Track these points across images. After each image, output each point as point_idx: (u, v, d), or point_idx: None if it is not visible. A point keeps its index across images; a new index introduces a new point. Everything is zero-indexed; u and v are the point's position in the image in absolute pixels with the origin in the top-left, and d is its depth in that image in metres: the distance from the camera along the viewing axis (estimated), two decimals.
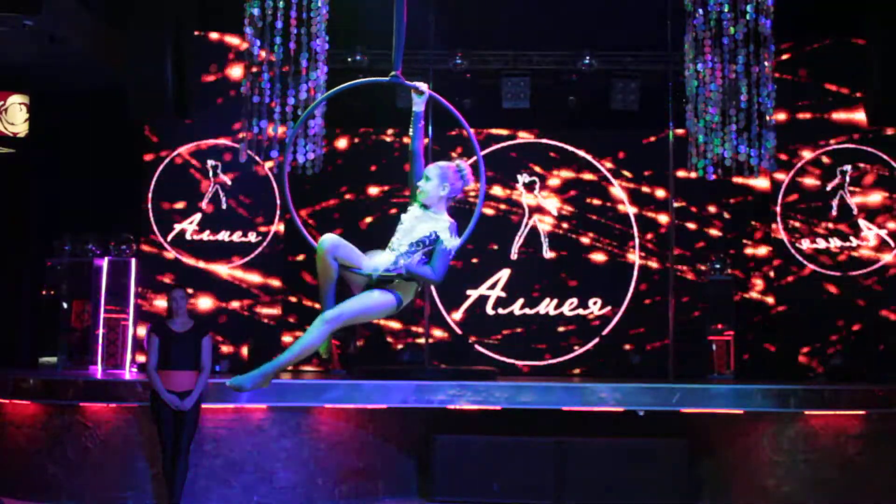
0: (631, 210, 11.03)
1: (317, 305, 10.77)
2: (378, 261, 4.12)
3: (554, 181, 11.12)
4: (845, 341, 9.81)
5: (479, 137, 11.05)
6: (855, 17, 9.59)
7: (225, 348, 9.87)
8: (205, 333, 7.18)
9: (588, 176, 11.13)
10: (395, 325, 10.88)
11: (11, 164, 10.34)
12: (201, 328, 7.24)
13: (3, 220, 10.46)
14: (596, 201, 11.10)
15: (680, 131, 9.44)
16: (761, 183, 10.46)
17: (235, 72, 10.11)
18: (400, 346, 10.81)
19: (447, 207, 4.31)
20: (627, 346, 10.84)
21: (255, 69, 8.62)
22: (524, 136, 11.16)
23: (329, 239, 4.09)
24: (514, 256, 10.97)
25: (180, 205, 10.21)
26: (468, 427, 8.31)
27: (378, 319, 4.16)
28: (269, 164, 10.02)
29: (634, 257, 10.99)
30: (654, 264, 10.92)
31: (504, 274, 10.95)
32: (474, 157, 4.27)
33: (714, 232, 10.97)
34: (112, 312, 9.67)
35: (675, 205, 10.11)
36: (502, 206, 11.08)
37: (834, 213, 10.03)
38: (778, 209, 10.23)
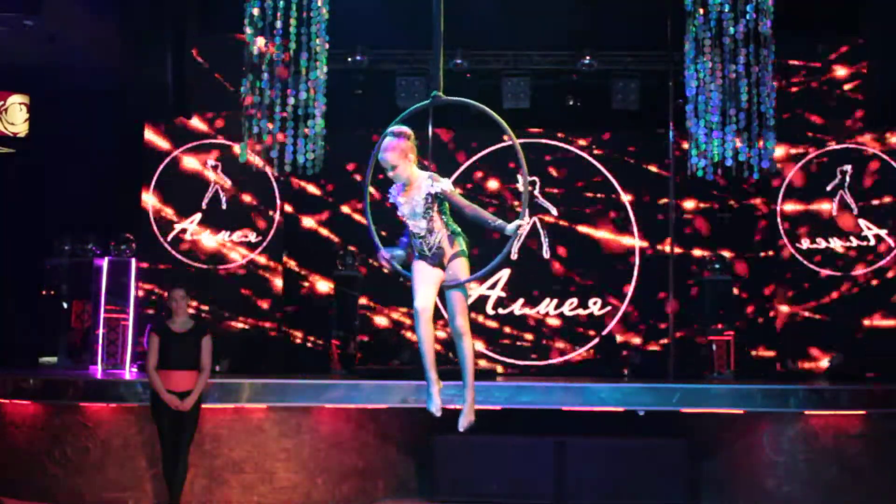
0: (631, 210, 11.03)
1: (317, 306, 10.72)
2: (458, 268, 4.36)
3: (554, 181, 11.12)
4: (845, 341, 9.81)
5: (480, 137, 11.09)
6: (855, 16, 9.60)
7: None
8: (205, 333, 7.18)
9: (588, 175, 11.12)
10: (393, 323, 10.89)
11: (11, 164, 10.35)
12: (201, 328, 7.24)
13: (4, 220, 10.46)
14: (596, 201, 11.10)
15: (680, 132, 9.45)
16: (761, 183, 10.46)
17: (236, 72, 10.09)
18: (395, 337, 10.80)
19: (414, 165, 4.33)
20: (627, 347, 10.84)
21: (254, 69, 8.61)
22: (524, 136, 11.15)
23: (425, 302, 4.28)
24: (514, 256, 10.97)
25: (180, 205, 10.20)
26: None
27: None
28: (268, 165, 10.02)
29: (635, 257, 10.99)
30: (653, 264, 10.91)
31: (504, 274, 10.95)
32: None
33: (714, 232, 10.96)
34: (112, 312, 9.67)
35: (676, 204, 10.11)
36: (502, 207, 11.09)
37: (834, 212, 10.03)
38: (778, 209, 10.23)
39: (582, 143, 11.15)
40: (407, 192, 4.31)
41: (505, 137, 4.31)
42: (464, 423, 4.52)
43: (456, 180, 11.05)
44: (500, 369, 10.70)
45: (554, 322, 10.94)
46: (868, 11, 9.34)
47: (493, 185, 11.14)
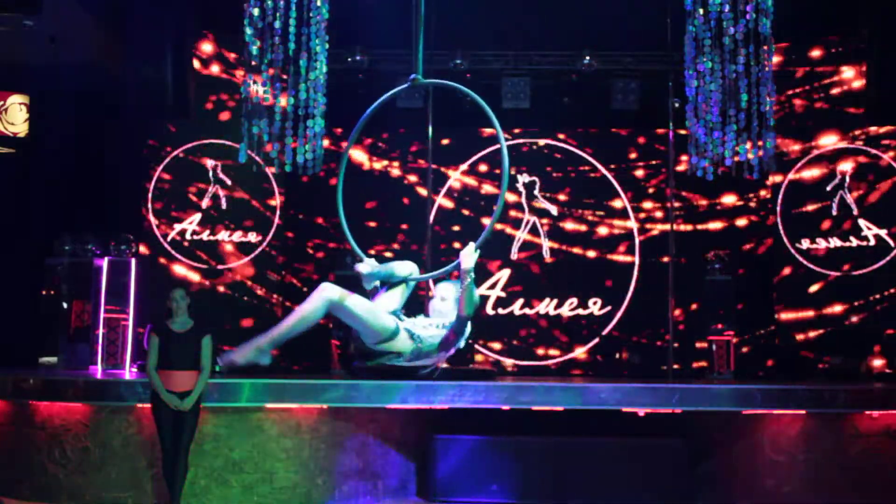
0: (631, 210, 11.03)
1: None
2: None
3: (554, 181, 11.12)
4: (845, 341, 9.81)
5: (479, 138, 11.09)
6: (855, 16, 9.59)
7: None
8: (205, 333, 7.17)
9: (588, 176, 11.12)
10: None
11: (11, 164, 10.34)
12: (201, 328, 7.23)
13: (3, 220, 10.46)
14: (596, 201, 11.10)
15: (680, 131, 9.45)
16: (761, 182, 10.46)
17: (235, 72, 10.10)
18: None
19: None
20: (627, 346, 10.85)
21: (254, 68, 8.61)
22: (524, 137, 11.15)
23: (337, 294, 3.93)
24: (514, 256, 10.97)
25: (180, 205, 10.20)
26: (468, 427, 8.30)
27: (373, 334, 4.05)
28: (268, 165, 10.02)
29: (634, 257, 10.99)
30: (654, 264, 10.91)
31: (504, 274, 10.95)
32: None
33: (714, 231, 10.96)
34: (112, 312, 9.67)
35: (676, 203, 10.11)
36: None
37: (834, 212, 10.03)
38: (778, 208, 10.23)
39: (581, 142, 11.14)
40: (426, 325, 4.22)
41: (491, 134, 4.28)
42: (227, 357, 3.93)
43: (455, 181, 11.06)
44: (510, 364, 10.72)
45: (554, 322, 10.93)
46: (868, 11, 9.33)
47: (487, 188, 11.14)
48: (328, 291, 3.94)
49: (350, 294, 3.97)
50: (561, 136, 11.18)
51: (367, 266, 4.27)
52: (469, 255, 3.97)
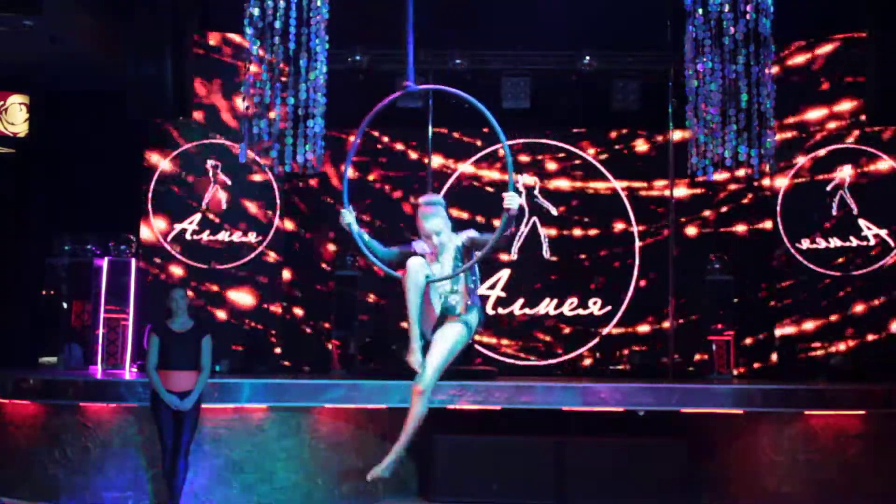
0: (631, 209, 11.03)
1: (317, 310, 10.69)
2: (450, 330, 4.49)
3: (554, 181, 11.12)
4: (845, 341, 9.82)
5: (481, 137, 11.09)
6: (855, 16, 9.60)
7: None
8: (205, 333, 7.18)
9: (588, 175, 11.12)
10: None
11: (11, 164, 10.35)
12: (201, 328, 7.24)
13: (3, 220, 10.46)
14: (596, 201, 11.10)
15: (680, 132, 9.45)
16: (761, 182, 10.47)
17: (235, 72, 10.10)
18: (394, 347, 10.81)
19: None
20: (627, 347, 10.85)
21: (254, 69, 8.61)
22: (524, 136, 11.14)
23: (416, 263, 4.35)
24: (514, 256, 10.97)
25: (180, 205, 10.20)
26: (468, 427, 8.31)
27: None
28: (267, 164, 10.01)
29: (634, 257, 10.99)
30: (653, 264, 10.91)
31: (504, 274, 10.94)
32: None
33: (714, 231, 10.96)
34: (112, 312, 9.67)
35: (676, 203, 10.11)
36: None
37: (834, 212, 10.03)
38: (778, 208, 10.24)
39: (582, 142, 11.14)
40: (435, 253, 4.55)
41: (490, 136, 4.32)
42: (372, 473, 4.55)
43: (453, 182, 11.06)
44: (526, 355, 10.73)
45: (554, 322, 10.93)
46: (868, 11, 9.33)
47: (490, 188, 11.13)
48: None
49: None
50: (561, 136, 11.17)
51: (348, 216, 4.54)
52: (514, 198, 4.29)
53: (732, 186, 10.65)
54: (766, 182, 10.43)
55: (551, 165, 11.14)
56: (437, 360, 4.31)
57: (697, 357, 10.43)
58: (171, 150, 10.22)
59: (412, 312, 4.31)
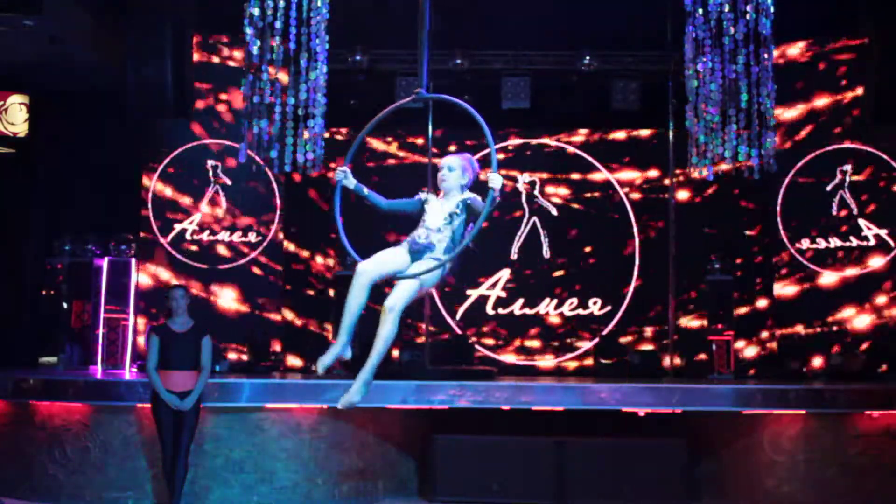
0: (630, 209, 11.03)
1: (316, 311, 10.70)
2: (420, 264, 4.41)
3: (554, 181, 11.12)
4: (845, 341, 9.81)
5: (480, 138, 11.08)
6: (855, 16, 9.60)
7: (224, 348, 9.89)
8: (205, 333, 7.18)
9: (588, 175, 11.12)
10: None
11: (11, 164, 10.35)
12: (201, 328, 7.23)
13: (3, 220, 10.46)
14: (596, 201, 11.10)
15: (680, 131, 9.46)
16: (760, 182, 10.46)
17: (236, 72, 10.10)
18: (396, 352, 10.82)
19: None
20: (627, 347, 10.84)
21: (254, 69, 8.61)
22: (524, 136, 11.15)
23: (369, 266, 4.37)
24: (514, 256, 10.97)
25: (180, 205, 10.20)
26: (468, 427, 8.31)
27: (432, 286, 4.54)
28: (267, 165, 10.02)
29: (634, 257, 10.99)
30: (653, 264, 10.90)
31: (504, 274, 10.95)
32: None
33: (714, 231, 10.96)
34: (112, 312, 9.67)
35: (675, 203, 10.11)
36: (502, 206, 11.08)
37: (834, 212, 10.03)
38: (778, 208, 10.23)
39: (582, 142, 11.14)
40: (441, 200, 4.64)
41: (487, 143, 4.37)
42: (343, 400, 4.60)
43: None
44: (526, 355, 10.72)
45: (554, 322, 10.93)
46: (869, 10, 9.33)
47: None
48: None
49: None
50: (560, 136, 11.17)
51: (343, 174, 4.74)
52: (497, 178, 4.22)
53: (732, 186, 10.63)
54: (765, 182, 10.43)
55: (551, 165, 11.13)
56: (408, 284, 4.35)
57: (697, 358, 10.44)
58: (171, 150, 10.22)
59: (348, 314, 4.36)
